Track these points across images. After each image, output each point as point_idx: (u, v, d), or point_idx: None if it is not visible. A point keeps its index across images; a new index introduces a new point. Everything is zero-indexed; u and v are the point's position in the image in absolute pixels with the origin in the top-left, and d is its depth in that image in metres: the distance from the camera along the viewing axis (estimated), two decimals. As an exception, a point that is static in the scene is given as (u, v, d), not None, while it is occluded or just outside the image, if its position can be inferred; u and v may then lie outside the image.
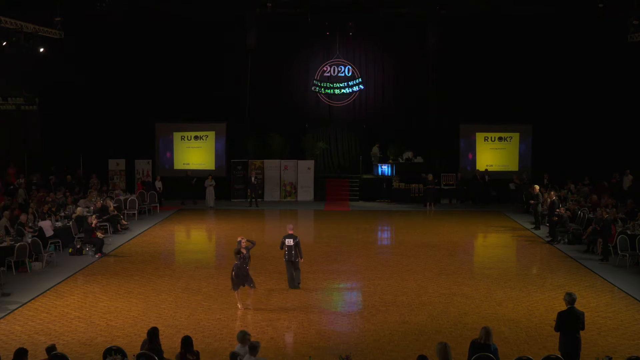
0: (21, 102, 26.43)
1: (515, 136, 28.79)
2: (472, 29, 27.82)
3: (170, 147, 29.05)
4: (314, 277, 16.12)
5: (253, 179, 27.05)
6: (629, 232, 17.92)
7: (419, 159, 28.42)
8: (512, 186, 27.28)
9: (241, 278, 13.46)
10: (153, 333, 9.67)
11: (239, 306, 13.53)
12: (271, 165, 28.49)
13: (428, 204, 26.73)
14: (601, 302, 14.10)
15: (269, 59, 28.80)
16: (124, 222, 22.17)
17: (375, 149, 28.84)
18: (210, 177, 27.04)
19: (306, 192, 28.52)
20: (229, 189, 28.41)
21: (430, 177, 26.82)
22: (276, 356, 11.07)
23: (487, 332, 9.28)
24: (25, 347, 9.26)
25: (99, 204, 21.78)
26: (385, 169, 28.48)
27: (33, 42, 21.26)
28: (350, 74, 29.79)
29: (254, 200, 26.89)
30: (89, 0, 25.92)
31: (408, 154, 28.66)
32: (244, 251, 13.50)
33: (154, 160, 28.73)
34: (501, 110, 28.00)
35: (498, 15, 27.21)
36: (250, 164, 28.46)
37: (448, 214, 25.83)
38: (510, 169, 28.63)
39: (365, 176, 28.99)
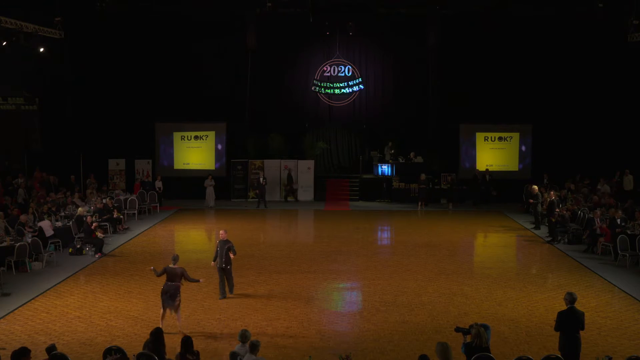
0: (21, 102, 26.44)
1: (515, 136, 28.79)
2: (472, 29, 27.82)
3: (170, 147, 29.06)
4: (314, 277, 16.12)
5: (262, 179, 27.00)
6: (629, 232, 17.92)
7: (419, 159, 28.41)
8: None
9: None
10: (157, 334, 9.64)
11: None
12: (271, 165, 28.48)
13: (420, 203, 26.73)
14: (601, 302, 14.11)
15: (269, 58, 28.81)
16: (124, 227, 22.08)
17: (388, 148, 28.63)
18: (210, 176, 27.04)
19: (306, 192, 28.50)
20: (229, 189, 28.42)
21: (422, 176, 26.80)
22: (276, 356, 11.07)
23: (478, 333, 9.17)
24: (24, 347, 9.22)
25: (100, 205, 21.77)
26: (385, 169, 28.47)
27: (33, 42, 21.24)
28: (350, 73, 29.78)
29: (261, 200, 26.84)
30: (89, 0, 25.97)
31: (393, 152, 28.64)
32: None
33: (154, 160, 28.73)
34: (501, 110, 28.00)
35: (498, 15, 27.21)
36: (250, 164, 28.46)
37: (448, 214, 25.84)
38: (510, 169, 28.69)
39: (365, 176, 28.99)
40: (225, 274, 14.24)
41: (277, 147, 29.01)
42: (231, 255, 14.04)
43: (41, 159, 27.01)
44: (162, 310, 12.40)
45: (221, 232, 14.35)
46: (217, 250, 14.28)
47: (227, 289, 14.39)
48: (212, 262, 14.53)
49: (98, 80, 27.71)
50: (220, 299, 14.13)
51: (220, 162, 29.05)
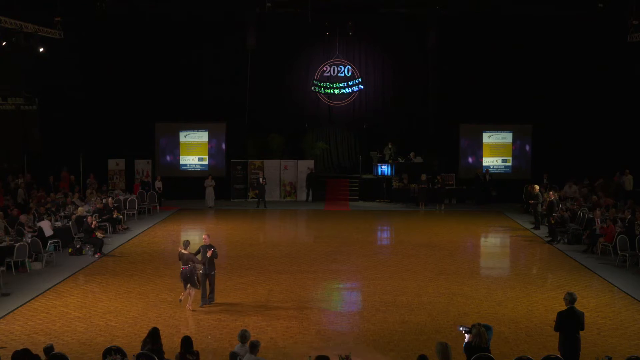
0: (21, 102, 26.40)
1: (515, 136, 28.79)
2: (472, 29, 27.81)
3: (170, 147, 29.06)
4: (314, 277, 16.12)
5: (261, 179, 26.96)
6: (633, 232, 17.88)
7: (419, 159, 28.40)
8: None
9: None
10: (154, 333, 9.65)
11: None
12: (271, 165, 28.47)
13: (420, 203, 26.72)
14: (601, 302, 14.11)
15: (269, 59, 28.79)
16: (123, 227, 22.08)
17: (388, 149, 28.57)
18: (210, 177, 27.03)
19: (306, 192, 28.45)
20: (229, 188, 28.41)
21: (423, 177, 26.78)
22: (276, 356, 11.07)
23: (478, 332, 9.17)
24: (23, 347, 9.23)
25: (100, 205, 21.75)
26: (385, 169, 28.45)
27: (33, 42, 21.22)
28: (350, 74, 29.77)
29: (261, 200, 26.80)
30: (89, 0, 25.97)
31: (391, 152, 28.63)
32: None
33: (154, 160, 28.72)
34: (501, 110, 27.98)
35: (498, 15, 27.22)
36: (250, 164, 28.45)
37: (447, 214, 25.84)
38: (510, 169, 28.71)
39: (365, 176, 28.98)
40: (208, 279, 13.77)
41: (277, 147, 29.01)
42: (208, 254, 13.52)
43: (41, 159, 27.00)
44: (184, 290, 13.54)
45: (204, 236, 14.04)
46: (199, 253, 13.85)
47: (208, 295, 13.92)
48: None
49: (98, 80, 27.68)
50: (201, 306, 13.66)
51: (220, 162, 29.03)
